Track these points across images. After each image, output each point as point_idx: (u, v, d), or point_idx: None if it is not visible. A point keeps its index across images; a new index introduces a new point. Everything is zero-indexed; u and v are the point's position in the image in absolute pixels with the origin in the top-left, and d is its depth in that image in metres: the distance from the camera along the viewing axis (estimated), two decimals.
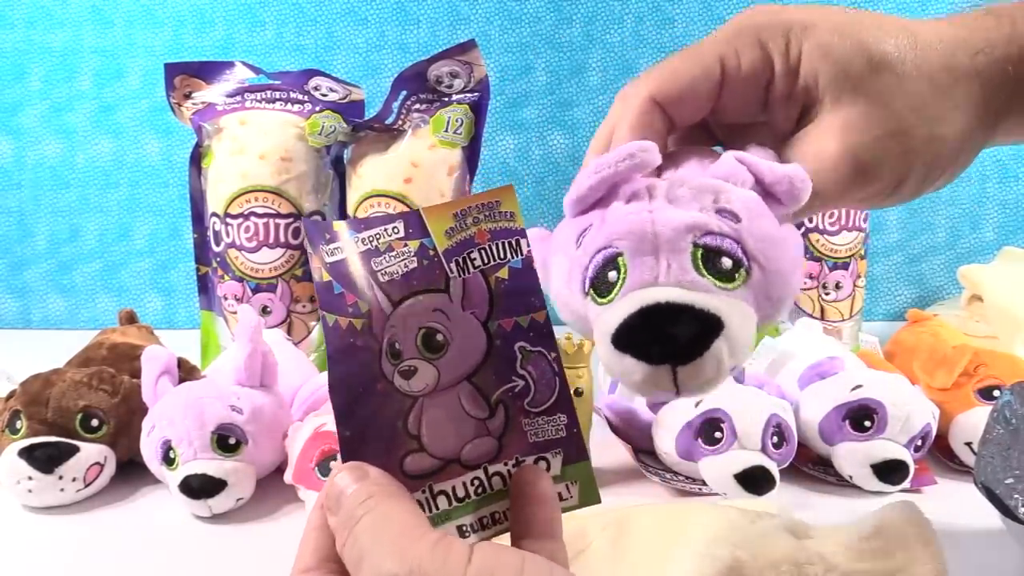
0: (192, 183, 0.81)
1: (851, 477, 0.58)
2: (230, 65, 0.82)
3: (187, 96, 0.81)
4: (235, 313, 0.79)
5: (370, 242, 0.31)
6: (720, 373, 0.29)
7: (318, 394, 0.63)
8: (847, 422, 0.57)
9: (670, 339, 0.28)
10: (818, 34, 0.34)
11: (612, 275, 0.30)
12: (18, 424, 0.57)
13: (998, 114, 0.35)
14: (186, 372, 0.62)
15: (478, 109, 0.78)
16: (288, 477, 0.56)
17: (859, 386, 0.58)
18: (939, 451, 0.62)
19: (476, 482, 0.31)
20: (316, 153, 0.79)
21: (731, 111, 0.36)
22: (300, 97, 0.80)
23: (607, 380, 0.69)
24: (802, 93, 0.35)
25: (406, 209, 0.76)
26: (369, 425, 0.30)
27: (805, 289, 0.80)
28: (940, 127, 0.34)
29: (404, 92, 0.79)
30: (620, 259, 0.30)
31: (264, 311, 0.78)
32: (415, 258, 0.31)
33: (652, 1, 1.03)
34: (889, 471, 0.56)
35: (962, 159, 0.36)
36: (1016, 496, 0.42)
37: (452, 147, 0.78)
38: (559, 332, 0.57)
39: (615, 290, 0.30)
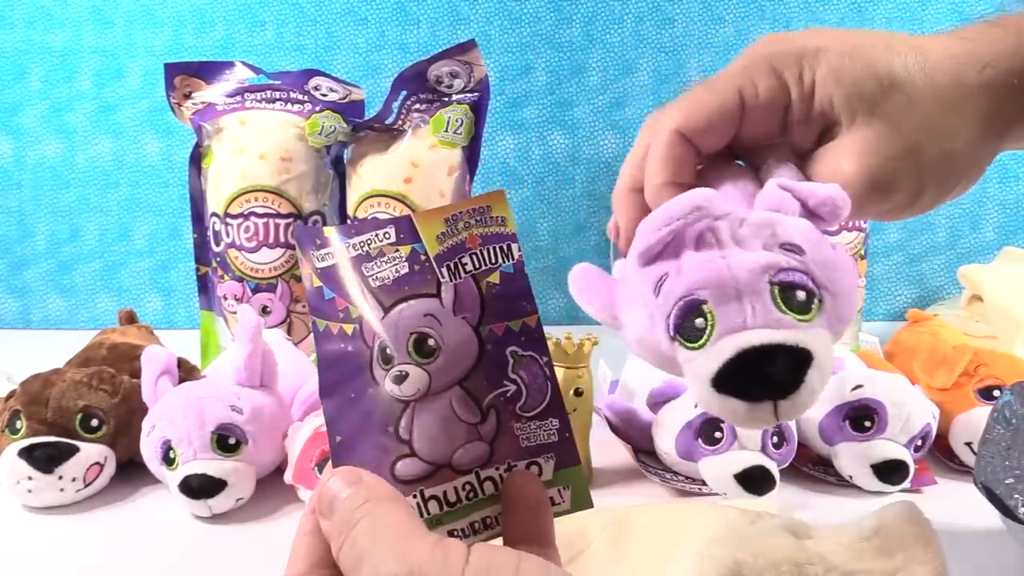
0: (192, 183, 0.81)
1: (851, 477, 0.58)
2: (230, 65, 0.82)
3: (187, 96, 0.81)
4: (235, 313, 0.79)
5: (361, 247, 0.31)
6: (813, 399, 0.30)
7: (318, 394, 0.62)
8: (847, 422, 0.57)
9: (767, 378, 0.30)
10: (830, 58, 0.35)
11: (699, 322, 0.31)
12: (18, 424, 0.57)
13: (1008, 123, 0.36)
14: (186, 372, 0.62)
15: (478, 109, 0.78)
16: (288, 477, 0.56)
17: (859, 386, 0.58)
18: (939, 451, 0.62)
19: (468, 487, 0.31)
20: (316, 153, 0.79)
21: (752, 136, 0.37)
22: (300, 97, 0.80)
23: (607, 380, 0.69)
24: (819, 116, 0.36)
25: (406, 209, 0.76)
26: (360, 430, 0.30)
27: None
28: (951, 142, 0.35)
29: (404, 92, 0.79)
30: (704, 307, 0.31)
31: (264, 311, 0.78)
32: (406, 263, 0.31)
33: (652, 1, 1.03)
34: (889, 471, 0.56)
35: (976, 168, 0.37)
36: (1016, 496, 0.42)
37: (452, 147, 0.78)
38: (559, 332, 0.58)
39: (705, 336, 0.31)
